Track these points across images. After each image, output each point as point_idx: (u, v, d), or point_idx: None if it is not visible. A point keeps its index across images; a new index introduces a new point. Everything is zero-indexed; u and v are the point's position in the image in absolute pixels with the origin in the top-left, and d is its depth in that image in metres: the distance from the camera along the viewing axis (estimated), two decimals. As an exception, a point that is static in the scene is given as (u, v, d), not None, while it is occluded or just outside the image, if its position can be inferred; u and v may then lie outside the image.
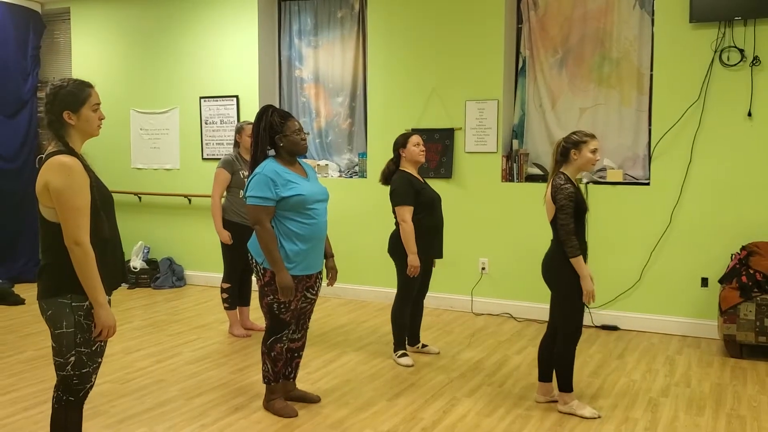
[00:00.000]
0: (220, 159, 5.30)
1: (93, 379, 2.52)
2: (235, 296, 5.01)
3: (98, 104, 2.52)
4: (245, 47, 6.51)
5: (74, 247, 2.34)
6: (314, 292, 3.56)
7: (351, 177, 6.38)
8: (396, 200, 4.27)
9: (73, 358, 2.43)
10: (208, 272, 6.76)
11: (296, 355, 3.66)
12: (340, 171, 6.53)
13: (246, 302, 5.16)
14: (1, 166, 6.94)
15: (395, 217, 4.34)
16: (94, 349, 2.47)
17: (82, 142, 2.52)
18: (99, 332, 2.44)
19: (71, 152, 2.42)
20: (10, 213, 6.98)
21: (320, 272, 3.57)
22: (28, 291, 6.26)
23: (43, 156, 2.45)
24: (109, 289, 2.51)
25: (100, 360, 2.52)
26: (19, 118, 7.15)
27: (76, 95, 2.46)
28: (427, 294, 4.62)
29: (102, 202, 2.48)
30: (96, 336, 2.45)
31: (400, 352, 4.38)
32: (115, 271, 2.59)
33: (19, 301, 6.03)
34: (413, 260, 4.20)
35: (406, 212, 4.23)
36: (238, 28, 6.52)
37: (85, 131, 2.50)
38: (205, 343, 4.84)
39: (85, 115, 2.47)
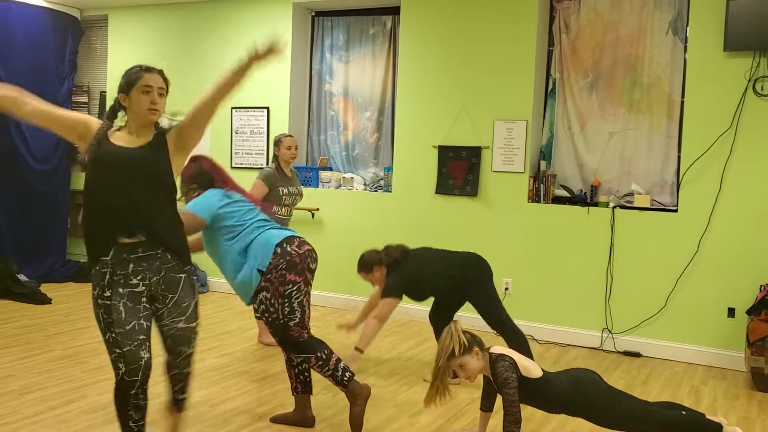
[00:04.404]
0: (250, 168, 5.35)
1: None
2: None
3: (149, 87, 2.58)
4: (278, 60, 6.58)
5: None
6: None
7: (376, 191, 6.42)
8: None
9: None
10: (230, 280, 6.80)
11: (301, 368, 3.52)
12: (365, 184, 6.57)
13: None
14: (34, 167, 7.07)
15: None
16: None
17: (136, 126, 2.58)
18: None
19: (104, 122, 2.58)
20: (40, 213, 7.10)
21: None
22: (55, 290, 6.35)
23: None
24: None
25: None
26: (54, 121, 7.29)
27: (129, 78, 2.61)
28: (451, 312, 4.64)
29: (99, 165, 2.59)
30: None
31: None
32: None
33: (45, 300, 6.12)
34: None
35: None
36: (272, 40, 6.61)
37: (137, 114, 2.61)
38: (229, 350, 4.88)
39: (134, 97, 2.59)
